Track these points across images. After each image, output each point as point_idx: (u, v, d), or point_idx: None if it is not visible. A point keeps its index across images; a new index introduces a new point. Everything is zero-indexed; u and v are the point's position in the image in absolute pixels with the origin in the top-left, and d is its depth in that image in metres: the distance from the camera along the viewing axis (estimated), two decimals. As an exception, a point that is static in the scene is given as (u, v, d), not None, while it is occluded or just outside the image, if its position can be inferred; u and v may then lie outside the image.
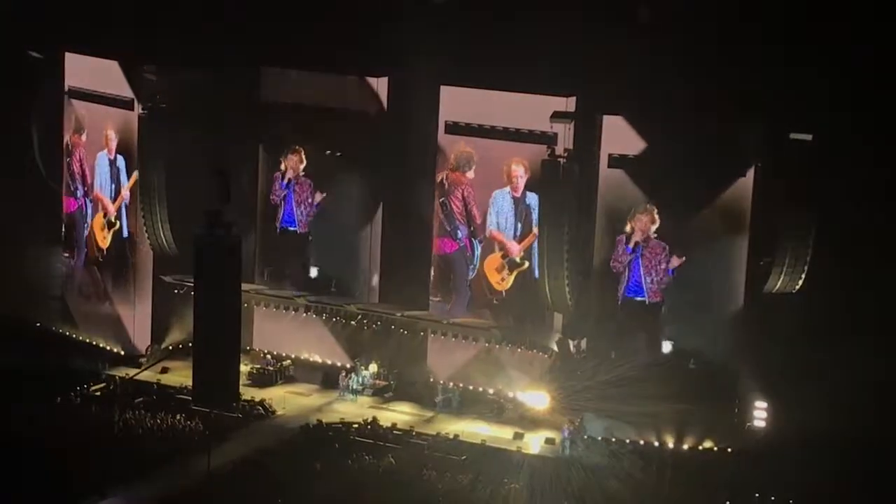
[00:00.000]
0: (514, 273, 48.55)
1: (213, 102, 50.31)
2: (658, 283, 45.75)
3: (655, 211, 45.39)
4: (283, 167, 52.10)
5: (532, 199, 47.75)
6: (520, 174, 47.83)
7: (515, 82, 46.21)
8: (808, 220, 43.61)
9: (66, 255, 55.57)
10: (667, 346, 45.84)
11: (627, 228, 45.81)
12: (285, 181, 52.07)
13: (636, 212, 45.63)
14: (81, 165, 54.19)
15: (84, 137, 53.82)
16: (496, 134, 47.94)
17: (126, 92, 51.35)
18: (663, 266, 45.58)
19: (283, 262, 52.94)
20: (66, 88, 53.71)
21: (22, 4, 53.53)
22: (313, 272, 52.43)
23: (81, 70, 53.07)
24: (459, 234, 49.40)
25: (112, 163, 53.13)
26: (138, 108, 50.62)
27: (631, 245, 45.81)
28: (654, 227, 45.55)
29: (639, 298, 46.18)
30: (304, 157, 51.81)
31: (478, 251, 49.22)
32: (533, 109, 46.33)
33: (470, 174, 48.87)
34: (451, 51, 47.21)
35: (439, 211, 49.48)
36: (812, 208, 43.54)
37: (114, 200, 53.34)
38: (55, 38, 53.17)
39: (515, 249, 48.37)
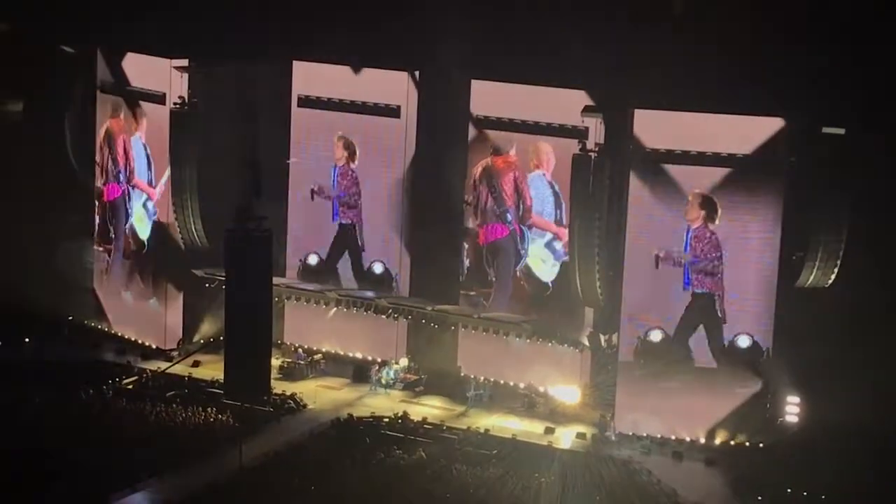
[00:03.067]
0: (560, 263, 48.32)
1: (244, 96, 50.48)
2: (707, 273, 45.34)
3: (700, 201, 44.95)
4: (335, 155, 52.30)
5: (556, 187, 47.77)
6: (548, 151, 47.61)
7: (546, 76, 46.12)
8: (840, 214, 43.38)
9: (101, 248, 55.65)
10: (656, 336, 45.63)
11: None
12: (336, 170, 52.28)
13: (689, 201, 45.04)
14: (125, 149, 53.92)
15: (122, 119, 53.78)
16: (527, 128, 47.92)
17: (159, 86, 51.50)
18: (715, 254, 45.10)
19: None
20: (98, 83, 53.97)
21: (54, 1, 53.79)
22: (313, 259, 52.63)
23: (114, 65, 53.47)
24: (509, 218, 48.95)
25: (145, 147, 53.27)
26: (170, 103, 50.79)
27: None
28: (701, 216, 45.17)
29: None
30: (345, 146, 51.79)
31: (528, 238, 48.71)
32: (564, 104, 46.14)
33: (513, 154, 48.53)
34: (482, 44, 47.15)
35: (487, 197, 49.04)
36: (844, 202, 43.31)
37: (153, 187, 53.60)
38: (87, 34, 53.39)
39: (564, 234, 47.70)
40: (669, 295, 45.55)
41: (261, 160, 50.22)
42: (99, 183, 54.99)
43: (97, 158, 54.66)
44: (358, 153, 51.80)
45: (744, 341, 44.95)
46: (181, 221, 50.22)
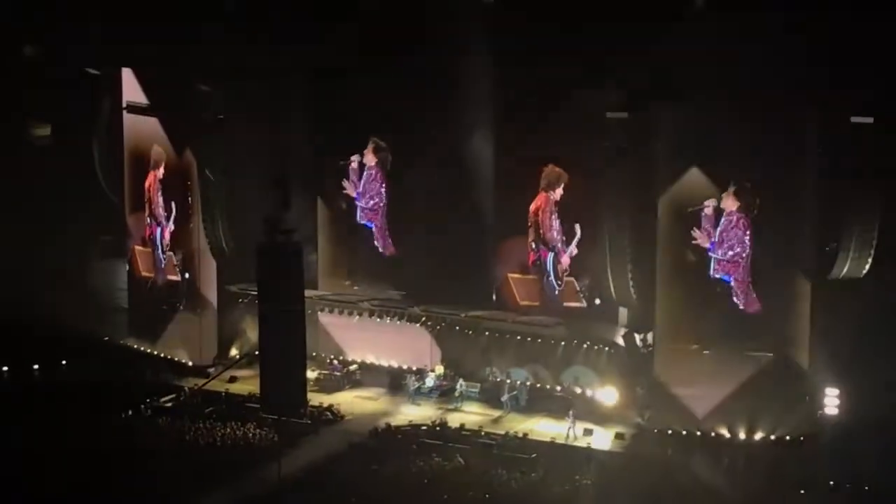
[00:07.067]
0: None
1: (269, 110, 50.70)
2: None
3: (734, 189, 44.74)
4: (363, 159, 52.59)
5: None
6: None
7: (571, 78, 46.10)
8: (872, 203, 43.04)
9: (146, 275, 55.70)
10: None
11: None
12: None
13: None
14: (153, 189, 54.52)
15: (161, 173, 54.00)
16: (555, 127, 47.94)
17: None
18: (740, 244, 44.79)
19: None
20: (125, 104, 54.19)
21: (78, 24, 54.01)
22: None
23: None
24: (534, 246, 49.59)
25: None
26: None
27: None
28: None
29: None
30: (377, 148, 52.13)
31: (550, 264, 49.23)
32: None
33: (557, 193, 48.77)
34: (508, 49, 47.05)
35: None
36: (876, 191, 42.97)
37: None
38: (112, 55, 53.64)
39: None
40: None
41: (289, 172, 50.24)
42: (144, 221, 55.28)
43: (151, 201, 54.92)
44: (390, 158, 52.01)
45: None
46: (210, 236, 50.46)
